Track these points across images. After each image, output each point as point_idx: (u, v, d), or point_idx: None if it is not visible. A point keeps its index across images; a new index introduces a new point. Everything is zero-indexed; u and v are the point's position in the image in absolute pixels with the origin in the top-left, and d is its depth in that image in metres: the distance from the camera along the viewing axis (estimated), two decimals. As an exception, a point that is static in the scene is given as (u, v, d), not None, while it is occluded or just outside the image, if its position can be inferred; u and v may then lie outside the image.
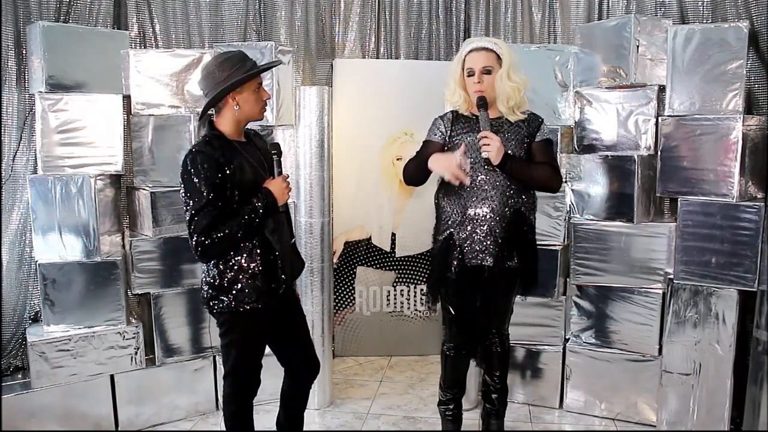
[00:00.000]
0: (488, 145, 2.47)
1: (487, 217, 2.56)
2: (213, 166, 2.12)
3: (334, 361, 3.75)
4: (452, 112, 2.67)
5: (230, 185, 2.16)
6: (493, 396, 2.84)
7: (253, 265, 2.23)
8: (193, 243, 2.13)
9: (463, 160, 2.47)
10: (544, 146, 2.64)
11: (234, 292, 2.22)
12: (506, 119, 2.61)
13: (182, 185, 2.16)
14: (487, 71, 2.54)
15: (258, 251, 2.23)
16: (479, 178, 2.56)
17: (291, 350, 2.50)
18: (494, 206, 2.55)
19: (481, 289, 2.66)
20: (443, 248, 2.65)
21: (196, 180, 2.11)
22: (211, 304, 2.27)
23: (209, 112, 2.30)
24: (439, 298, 2.73)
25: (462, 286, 2.63)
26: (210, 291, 2.26)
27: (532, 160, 2.62)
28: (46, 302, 3.01)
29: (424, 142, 2.70)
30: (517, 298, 2.82)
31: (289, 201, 2.36)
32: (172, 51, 3.26)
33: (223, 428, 2.50)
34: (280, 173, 2.31)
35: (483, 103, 2.53)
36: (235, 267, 2.22)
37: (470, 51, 2.57)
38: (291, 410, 2.57)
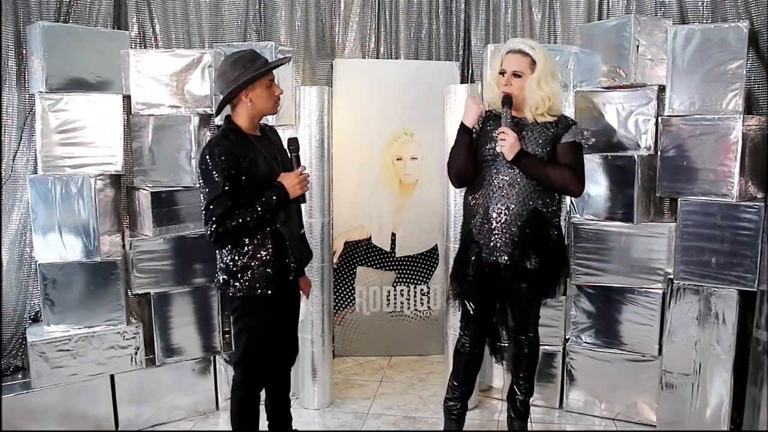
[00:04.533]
0: (504, 140, 2.51)
1: (503, 215, 2.58)
2: (229, 159, 2.24)
3: (334, 361, 3.74)
4: (488, 111, 2.70)
5: (245, 177, 2.27)
6: (519, 399, 2.83)
7: (264, 252, 2.35)
8: (208, 231, 2.26)
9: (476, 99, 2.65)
10: (568, 148, 2.61)
11: (246, 277, 2.35)
12: (533, 119, 2.61)
13: (199, 176, 2.30)
14: (517, 75, 2.56)
15: (269, 240, 2.35)
16: (500, 177, 2.59)
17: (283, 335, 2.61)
18: (511, 205, 2.57)
19: (499, 287, 2.65)
20: (463, 244, 2.72)
21: (213, 171, 2.23)
22: (224, 288, 2.40)
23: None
24: (458, 294, 2.74)
25: (480, 283, 2.66)
26: (224, 276, 2.39)
27: (554, 162, 2.60)
28: (46, 302, 3.01)
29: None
30: None
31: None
32: (172, 51, 3.26)
33: (223, 428, 2.51)
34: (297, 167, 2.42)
35: (507, 100, 2.56)
36: (248, 254, 2.34)
37: (508, 52, 2.61)
38: (276, 396, 2.67)
